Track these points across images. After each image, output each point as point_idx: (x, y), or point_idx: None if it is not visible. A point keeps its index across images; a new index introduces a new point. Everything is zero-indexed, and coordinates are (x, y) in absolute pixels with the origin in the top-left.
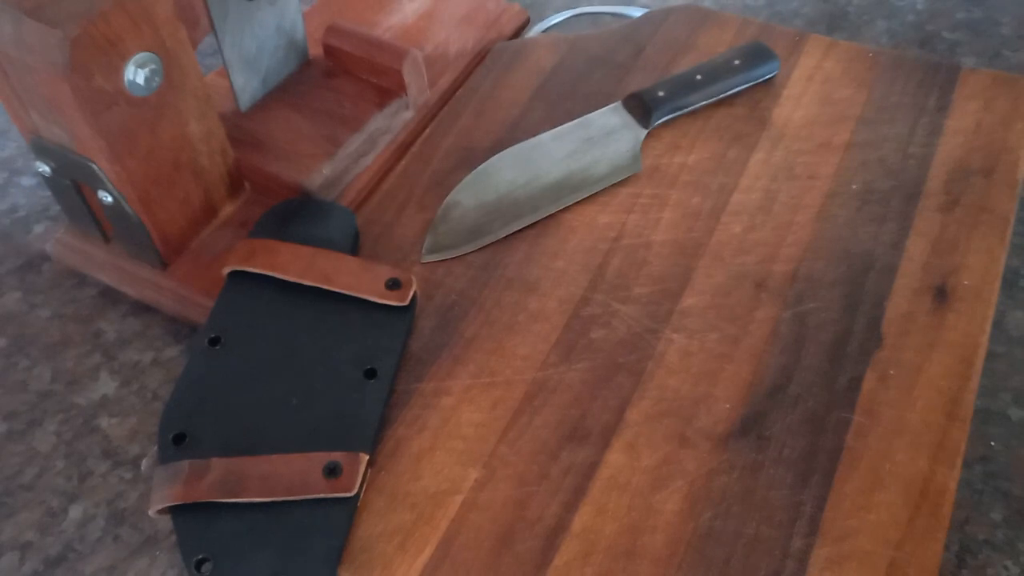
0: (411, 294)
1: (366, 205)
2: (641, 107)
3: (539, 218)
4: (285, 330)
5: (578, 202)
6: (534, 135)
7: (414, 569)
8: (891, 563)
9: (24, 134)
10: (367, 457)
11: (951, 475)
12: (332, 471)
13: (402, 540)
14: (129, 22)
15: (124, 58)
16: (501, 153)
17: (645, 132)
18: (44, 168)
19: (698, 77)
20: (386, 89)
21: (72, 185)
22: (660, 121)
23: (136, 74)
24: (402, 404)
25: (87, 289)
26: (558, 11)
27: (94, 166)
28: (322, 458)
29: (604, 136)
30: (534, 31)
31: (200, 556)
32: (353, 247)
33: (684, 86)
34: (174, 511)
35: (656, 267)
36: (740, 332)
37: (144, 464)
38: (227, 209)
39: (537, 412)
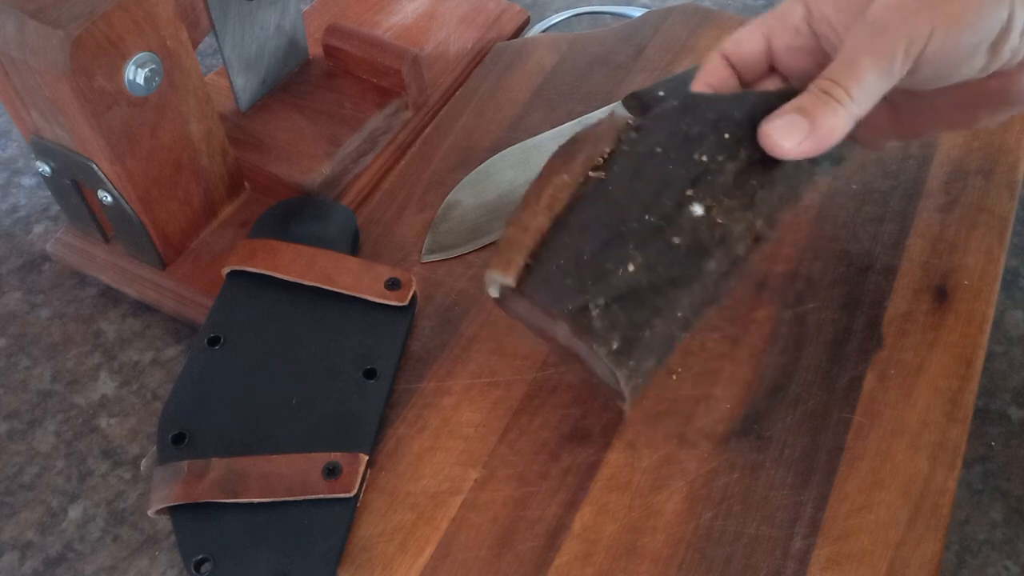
0: (411, 294)
1: (366, 205)
2: (641, 107)
3: None
4: (285, 330)
5: None
6: (534, 135)
7: (414, 569)
8: (891, 563)
9: (25, 134)
10: (367, 457)
11: (951, 475)
12: (332, 471)
13: (402, 540)
14: (130, 23)
15: (125, 58)
16: (501, 152)
17: None
18: (44, 168)
19: None
20: (386, 89)
21: (72, 185)
22: None
23: (136, 74)
24: (402, 404)
25: (87, 289)
26: (558, 11)
27: (94, 166)
28: (322, 458)
29: None
30: (534, 31)
31: (200, 556)
32: (353, 247)
33: (684, 86)
34: (173, 511)
35: None
36: (740, 332)
37: (143, 464)
38: (227, 209)
39: (537, 412)
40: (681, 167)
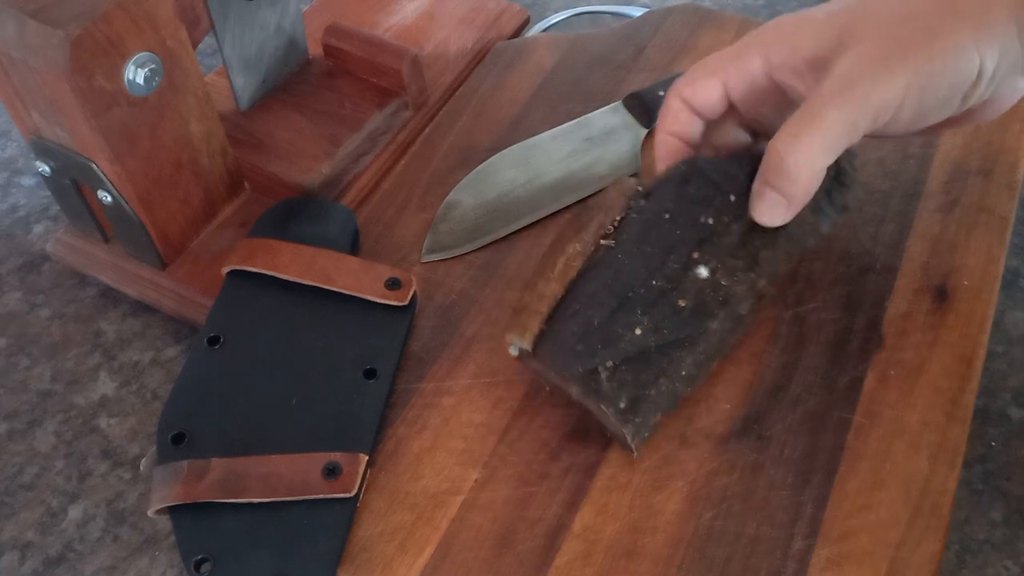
0: (411, 294)
1: (366, 204)
2: (641, 107)
3: (539, 218)
4: (285, 330)
5: (578, 201)
6: (534, 135)
7: (414, 569)
8: (891, 563)
9: (25, 134)
10: (367, 457)
11: (951, 475)
12: (332, 471)
13: (402, 540)
14: (130, 23)
15: (124, 58)
16: (501, 152)
17: (645, 132)
18: (44, 168)
19: None
20: (386, 89)
21: (72, 185)
22: None
23: (136, 74)
24: (402, 404)
25: (87, 289)
26: (558, 11)
27: (94, 166)
28: (322, 458)
29: (604, 136)
30: (534, 30)
31: (199, 556)
32: (353, 246)
33: None
34: (173, 511)
35: None
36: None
37: (143, 464)
38: (227, 209)
39: (537, 412)
40: (687, 230)
